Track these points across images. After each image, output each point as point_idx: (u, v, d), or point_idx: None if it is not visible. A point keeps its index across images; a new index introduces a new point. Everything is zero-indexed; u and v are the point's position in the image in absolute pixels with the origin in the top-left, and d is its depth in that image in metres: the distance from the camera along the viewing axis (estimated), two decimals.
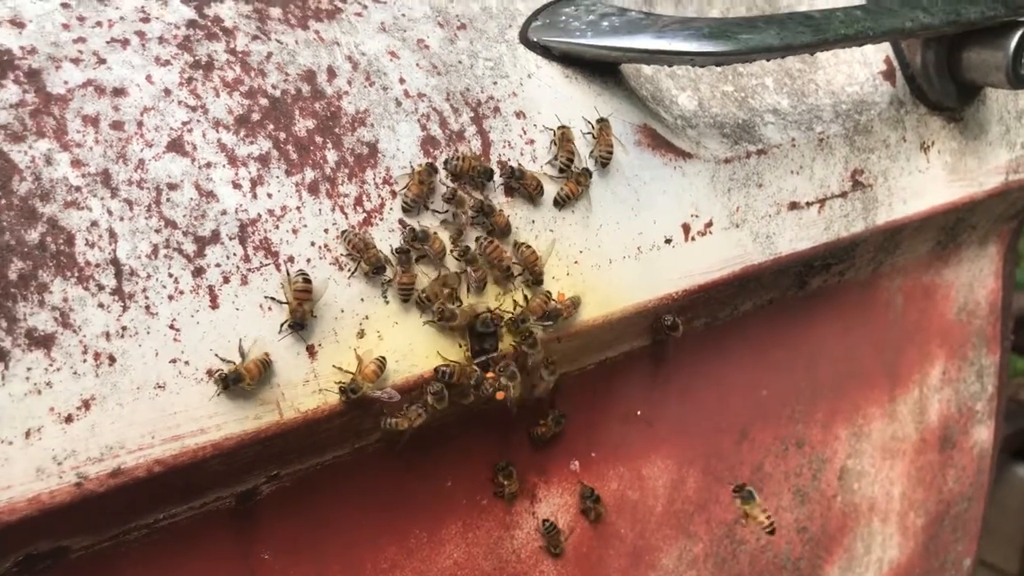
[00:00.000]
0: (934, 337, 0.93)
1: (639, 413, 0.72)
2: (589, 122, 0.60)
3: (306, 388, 0.50)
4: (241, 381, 0.46)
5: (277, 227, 0.49)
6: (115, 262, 0.45)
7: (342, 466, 0.56)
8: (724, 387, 0.76)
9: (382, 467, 0.59)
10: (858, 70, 0.77)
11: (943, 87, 0.78)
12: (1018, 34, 0.72)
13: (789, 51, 0.60)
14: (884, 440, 0.90)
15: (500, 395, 0.56)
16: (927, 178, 0.78)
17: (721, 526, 0.79)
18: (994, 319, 0.97)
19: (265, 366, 0.48)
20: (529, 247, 0.56)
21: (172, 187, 0.47)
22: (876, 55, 0.77)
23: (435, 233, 0.53)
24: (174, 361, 0.46)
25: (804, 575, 0.87)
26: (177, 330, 0.46)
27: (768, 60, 0.66)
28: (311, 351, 0.50)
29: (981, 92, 0.81)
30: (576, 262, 0.59)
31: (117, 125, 0.47)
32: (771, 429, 0.81)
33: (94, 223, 0.45)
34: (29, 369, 0.43)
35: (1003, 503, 2.33)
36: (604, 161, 0.59)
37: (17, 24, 0.48)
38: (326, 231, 0.51)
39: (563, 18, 0.61)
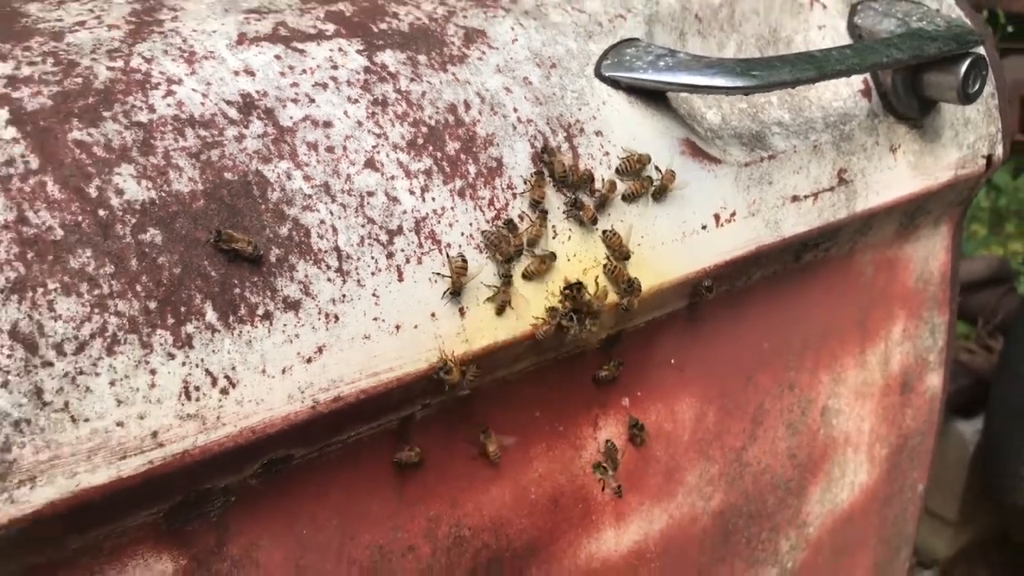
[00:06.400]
0: (897, 301, 1.13)
1: (673, 361, 0.91)
2: (657, 168, 0.78)
3: (458, 338, 0.69)
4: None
5: (439, 222, 0.68)
6: (337, 249, 0.63)
7: (467, 398, 0.75)
8: (736, 341, 0.96)
9: (491, 399, 0.77)
10: (842, 88, 0.97)
11: (908, 102, 0.98)
12: (967, 63, 0.92)
13: (798, 83, 0.79)
14: (857, 384, 1.11)
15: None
16: (895, 174, 0.99)
17: (731, 452, 0.99)
18: (944, 286, 1.19)
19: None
20: (615, 233, 0.74)
21: (370, 194, 0.65)
22: (856, 77, 0.97)
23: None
24: (376, 319, 0.64)
25: (793, 493, 1.08)
26: (377, 297, 0.64)
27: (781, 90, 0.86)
28: (462, 312, 0.69)
29: (937, 105, 1.01)
30: (639, 244, 0.78)
31: (330, 149, 0.65)
32: (770, 374, 1.01)
33: (322, 221, 0.63)
34: (285, 325, 0.61)
35: (944, 456, 2.47)
36: (662, 192, 0.78)
37: (250, 72, 0.65)
38: (471, 224, 0.69)
39: (627, 58, 0.79)
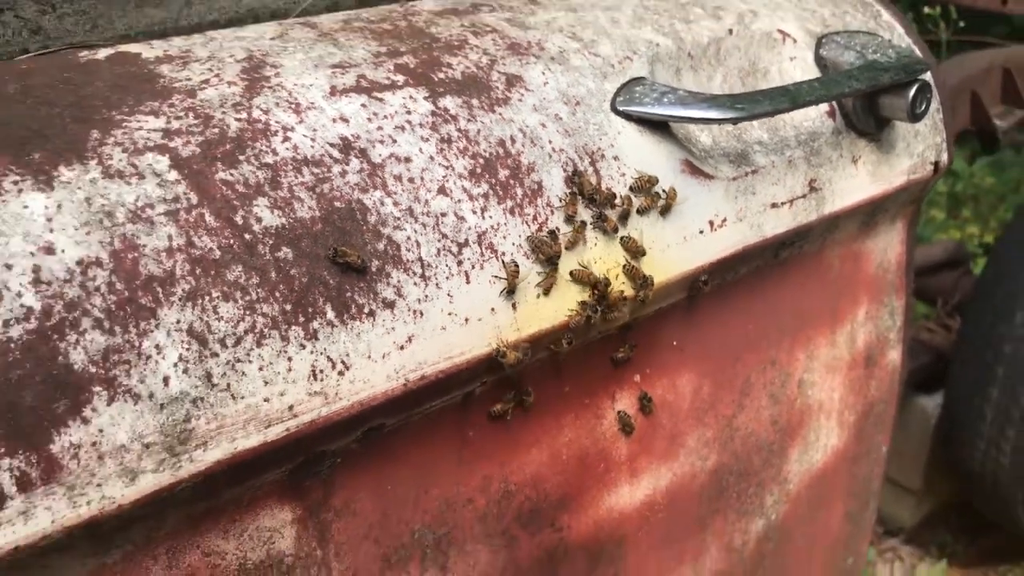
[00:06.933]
0: (860, 288, 1.32)
1: (675, 343, 1.09)
2: (663, 188, 0.95)
3: (511, 328, 0.85)
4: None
5: (496, 235, 0.84)
6: (420, 259, 0.80)
7: (514, 376, 0.92)
8: (727, 325, 1.14)
9: (533, 377, 0.94)
10: (811, 111, 1.14)
11: (866, 120, 1.16)
12: (915, 88, 1.10)
13: (777, 113, 0.97)
14: (828, 360, 1.29)
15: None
16: (856, 181, 1.17)
17: (723, 419, 1.17)
18: (901, 273, 1.37)
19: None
20: (632, 238, 0.92)
21: (443, 215, 0.82)
22: None
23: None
24: (450, 314, 0.81)
25: (776, 454, 1.26)
26: (451, 296, 0.81)
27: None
28: (514, 307, 0.85)
29: (891, 122, 1.19)
30: (651, 247, 0.95)
31: (411, 180, 0.81)
32: (755, 353, 1.19)
33: (408, 237, 0.79)
34: (384, 321, 0.77)
35: (907, 429, 2.58)
36: (667, 208, 0.95)
37: (344, 119, 0.81)
38: (519, 236, 0.86)
39: (636, 95, 0.96)
